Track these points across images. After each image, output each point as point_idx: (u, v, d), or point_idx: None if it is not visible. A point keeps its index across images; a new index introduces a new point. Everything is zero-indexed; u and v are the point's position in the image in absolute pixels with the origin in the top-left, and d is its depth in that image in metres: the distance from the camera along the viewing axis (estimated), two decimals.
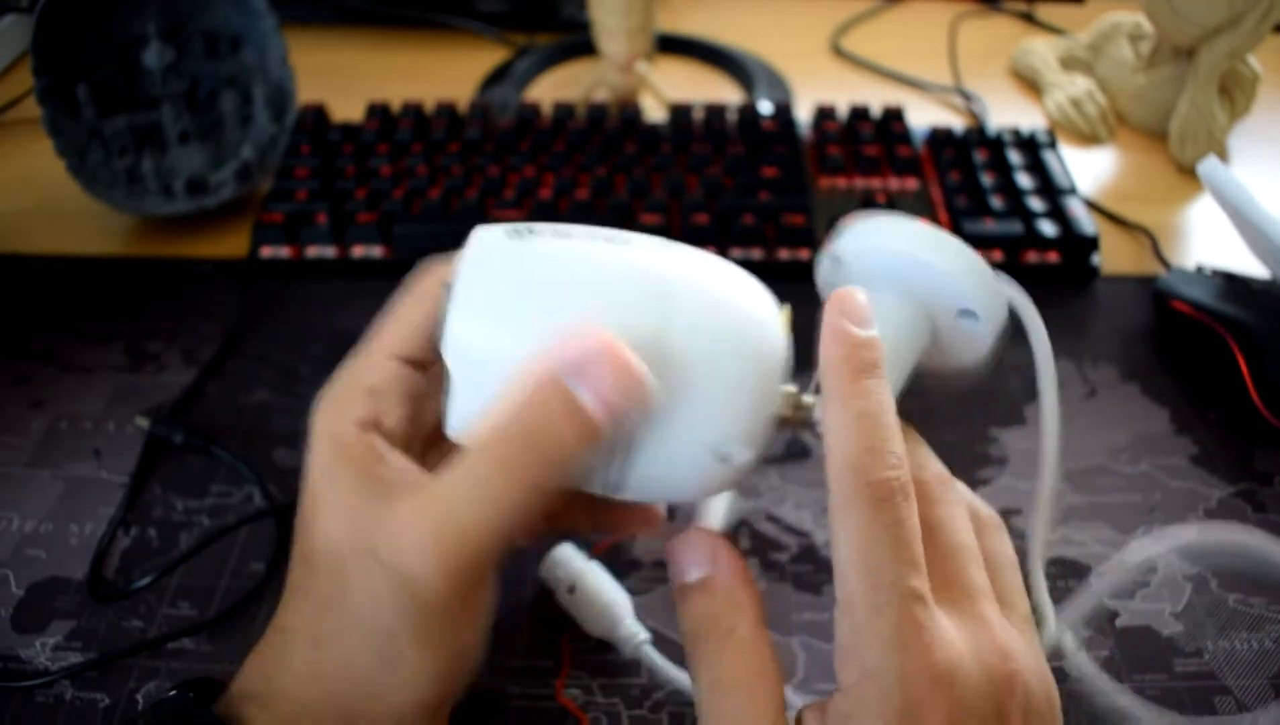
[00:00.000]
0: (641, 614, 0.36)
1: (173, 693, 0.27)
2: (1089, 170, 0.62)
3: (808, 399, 0.27)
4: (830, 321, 0.25)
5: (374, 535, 0.24)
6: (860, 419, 0.24)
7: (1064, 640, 0.33)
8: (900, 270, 0.29)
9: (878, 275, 0.29)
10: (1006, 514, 0.41)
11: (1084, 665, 0.33)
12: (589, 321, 0.24)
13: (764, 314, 0.26)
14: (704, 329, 0.25)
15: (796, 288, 0.38)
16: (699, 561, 0.26)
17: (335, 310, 0.50)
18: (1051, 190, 0.54)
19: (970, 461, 0.43)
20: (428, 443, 0.29)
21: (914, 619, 0.23)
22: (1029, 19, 0.79)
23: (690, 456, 0.25)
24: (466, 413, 0.25)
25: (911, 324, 0.29)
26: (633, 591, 0.37)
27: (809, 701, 0.25)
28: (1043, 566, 0.32)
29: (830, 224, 0.53)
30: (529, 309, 0.24)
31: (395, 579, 0.24)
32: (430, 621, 0.24)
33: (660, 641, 0.35)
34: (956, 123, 0.64)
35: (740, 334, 0.25)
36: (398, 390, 0.27)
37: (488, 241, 0.25)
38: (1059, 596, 0.38)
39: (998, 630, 0.25)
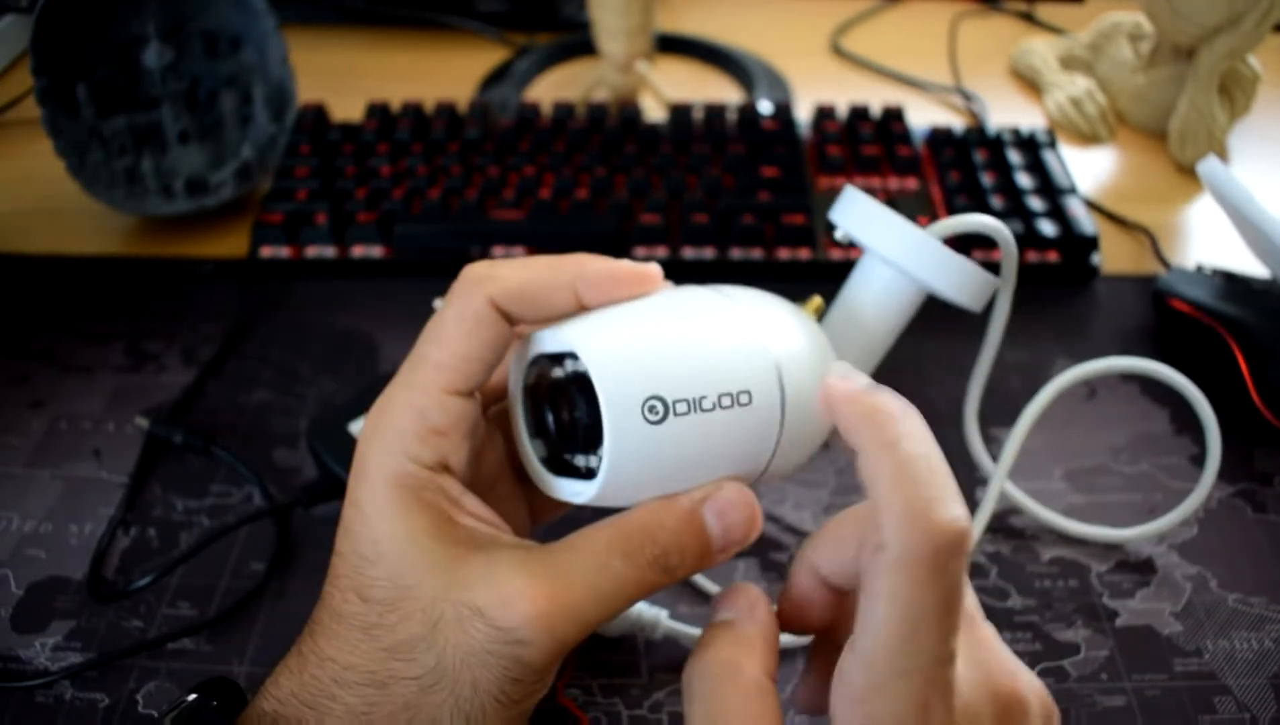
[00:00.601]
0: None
1: (191, 697, 0.26)
2: (1089, 170, 0.62)
3: None
4: (836, 389, 0.25)
5: (476, 592, 0.24)
6: (914, 462, 0.22)
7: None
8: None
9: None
10: (1007, 513, 0.41)
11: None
12: (729, 483, 0.27)
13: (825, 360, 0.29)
14: (801, 435, 0.28)
15: (796, 287, 0.38)
16: (736, 607, 0.26)
17: (335, 310, 0.50)
18: (1051, 190, 0.54)
19: (971, 461, 0.43)
20: (484, 461, 0.30)
21: (941, 683, 0.22)
22: (1029, 19, 0.79)
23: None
24: (611, 487, 0.26)
25: (901, 291, 0.32)
26: None
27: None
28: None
29: (831, 224, 0.53)
30: (669, 481, 0.26)
31: (504, 642, 0.24)
32: (519, 685, 0.25)
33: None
34: (956, 122, 0.64)
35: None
36: (463, 428, 0.27)
37: (627, 427, 0.25)
38: (1060, 595, 0.38)
39: (997, 649, 0.24)
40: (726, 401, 0.26)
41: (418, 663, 0.25)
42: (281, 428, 0.44)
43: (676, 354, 0.26)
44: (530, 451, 0.29)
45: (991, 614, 0.36)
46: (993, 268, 0.35)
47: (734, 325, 0.27)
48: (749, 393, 0.26)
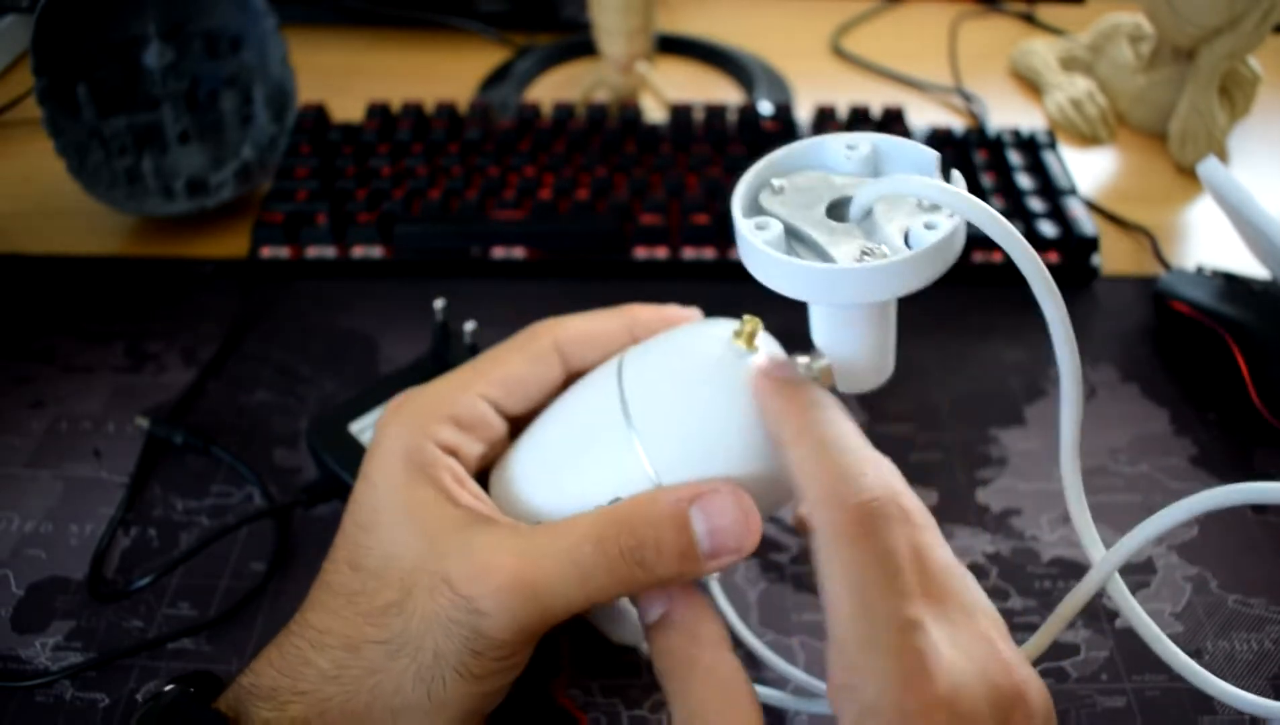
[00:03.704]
0: None
1: (170, 687, 0.27)
2: (1089, 171, 0.62)
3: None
4: (756, 384, 0.26)
5: (450, 561, 0.25)
6: (822, 448, 0.23)
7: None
8: None
9: None
10: (1007, 514, 0.41)
11: None
12: (727, 484, 0.26)
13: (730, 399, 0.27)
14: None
15: None
16: (656, 599, 0.26)
17: (335, 310, 0.50)
18: (1051, 191, 0.54)
19: (970, 462, 0.43)
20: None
21: (913, 649, 0.22)
22: (1029, 19, 0.79)
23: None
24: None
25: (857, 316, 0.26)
26: None
27: (803, 707, 0.25)
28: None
29: None
30: None
31: (465, 611, 0.24)
32: (480, 659, 0.25)
33: None
34: (956, 123, 0.64)
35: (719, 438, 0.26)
36: (481, 432, 0.28)
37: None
38: (1060, 595, 0.38)
39: (1000, 645, 0.24)
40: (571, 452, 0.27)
41: (388, 628, 0.25)
42: (281, 428, 0.44)
43: (554, 479, 0.28)
44: None
45: None
46: (996, 270, 0.31)
47: (611, 434, 0.27)
48: (618, 498, 0.26)
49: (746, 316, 0.27)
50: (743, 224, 0.24)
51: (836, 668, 0.23)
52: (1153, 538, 0.28)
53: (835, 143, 0.26)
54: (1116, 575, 0.28)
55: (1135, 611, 0.28)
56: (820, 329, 0.26)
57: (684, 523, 0.25)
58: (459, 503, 0.27)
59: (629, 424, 0.27)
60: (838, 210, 0.25)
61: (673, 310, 0.29)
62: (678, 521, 0.25)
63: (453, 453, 0.28)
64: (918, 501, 0.25)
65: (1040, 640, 0.29)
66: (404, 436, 0.27)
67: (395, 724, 0.25)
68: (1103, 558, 0.28)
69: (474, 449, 0.28)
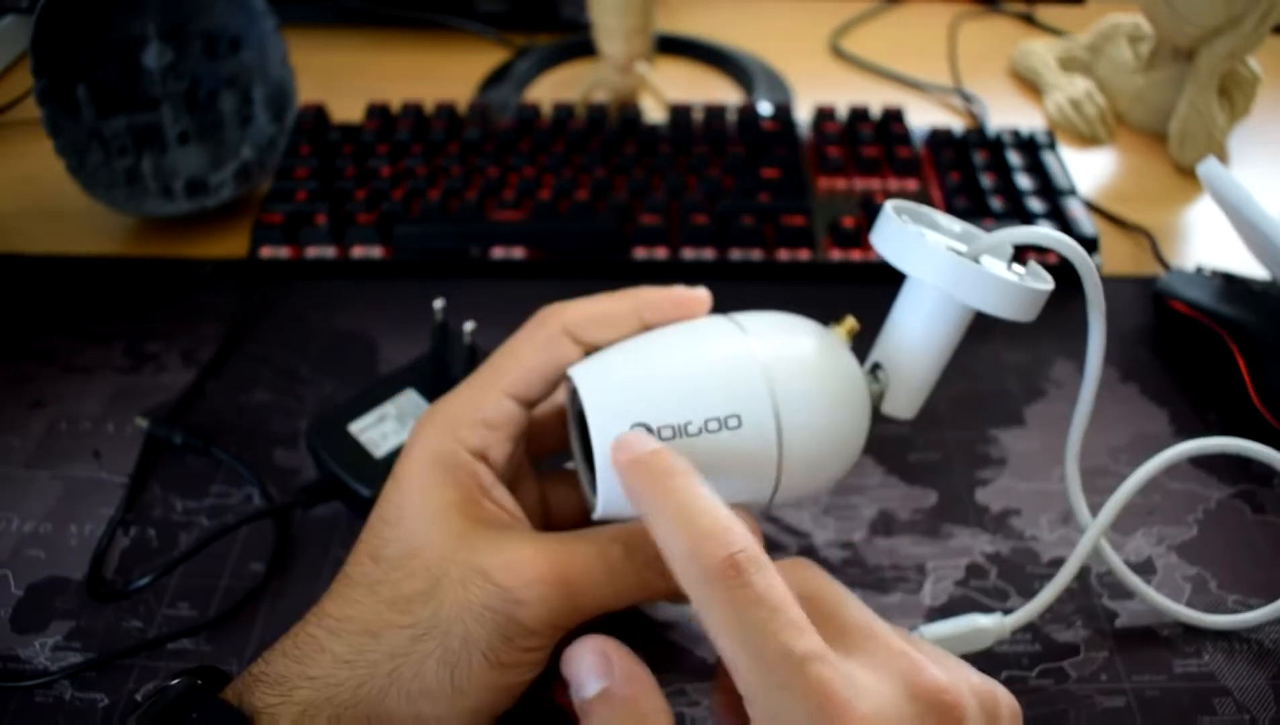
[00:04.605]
0: None
1: (175, 680, 0.27)
2: (1089, 171, 0.62)
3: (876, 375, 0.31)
4: (612, 455, 0.26)
5: (482, 555, 0.26)
6: (678, 515, 0.24)
7: None
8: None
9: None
10: (1007, 514, 0.41)
11: None
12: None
13: (842, 378, 0.30)
14: (813, 456, 0.29)
15: (796, 289, 0.38)
16: (594, 673, 0.25)
17: (335, 311, 0.50)
18: (1051, 191, 0.54)
19: (970, 462, 0.43)
20: (516, 469, 0.32)
21: (821, 681, 0.21)
22: (1029, 20, 0.79)
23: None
24: (607, 502, 0.28)
25: (948, 312, 0.31)
26: None
27: None
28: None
29: (831, 225, 0.53)
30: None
31: (502, 600, 0.26)
32: (509, 646, 0.26)
33: None
34: (956, 123, 0.64)
35: (836, 419, 0.29)
36: (508, 429, 0.29)
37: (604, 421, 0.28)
38: (1060, 595, 0.38)
39: (916, 657, 0.24)
40: (714, 426, 0.27)
41: (413, 614, 0.26)
42: (281, 428, 0.44)
43: (663, 382, 0.28)
44: (582, 475, 0.31)
45: None
46: (1049, 270, 0.34)
47: (730, 352, 0.28)
48: (738, 417, 0.27)
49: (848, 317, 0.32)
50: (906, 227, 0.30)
51: (758, 722, 0.22)
52: (1135, 491, 0.34)
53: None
54: (1103, 540, 0.34)
55: (1122, 571, 0.35)
56: (912, 330, 0.31)
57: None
58: (484, 507, 0.28)
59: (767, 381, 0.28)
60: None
61: (679, 291, 0.30)
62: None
63: (482, 456, 0.29)
64: (804, 560, 0.27)
65: (1033, 606, 0.34)
66: (434, 441, 0.29)
67: (411, 708, 0.25)
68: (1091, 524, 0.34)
69: (502, 447, 0.29)
